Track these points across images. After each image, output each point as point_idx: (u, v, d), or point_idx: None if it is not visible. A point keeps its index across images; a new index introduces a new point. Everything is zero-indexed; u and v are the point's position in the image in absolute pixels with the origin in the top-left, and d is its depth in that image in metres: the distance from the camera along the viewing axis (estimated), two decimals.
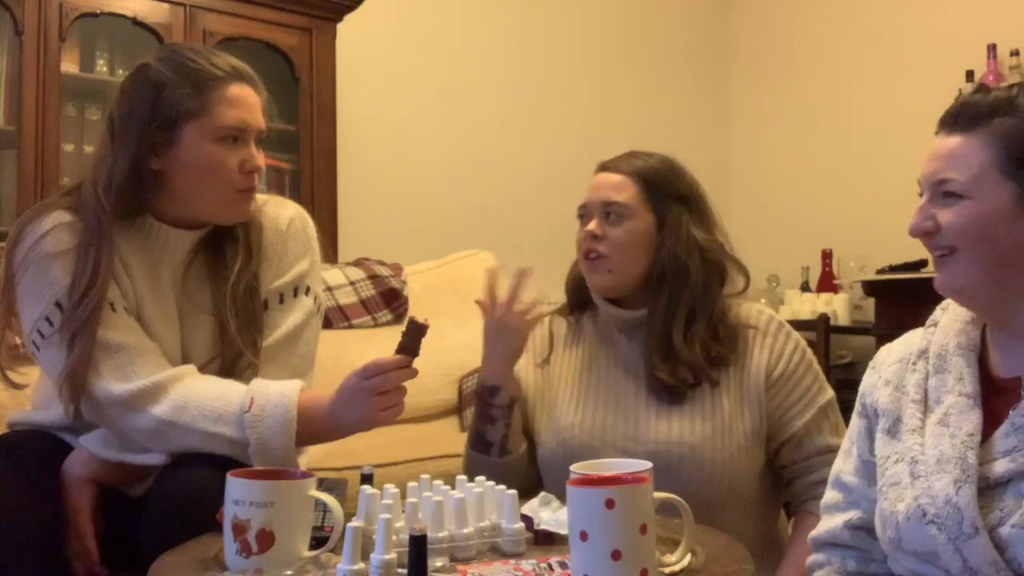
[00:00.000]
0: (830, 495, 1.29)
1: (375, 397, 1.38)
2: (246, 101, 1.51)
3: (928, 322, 1.24)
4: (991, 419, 1.11)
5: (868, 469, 1.23)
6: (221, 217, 1.54)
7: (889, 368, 1.24)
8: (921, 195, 1.16)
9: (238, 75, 1.51)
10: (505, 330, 1.59)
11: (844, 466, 1.28)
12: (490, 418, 1.62)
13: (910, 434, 1.15)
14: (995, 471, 1.07)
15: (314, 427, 1.43)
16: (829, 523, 1.27)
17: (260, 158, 1.53)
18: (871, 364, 1.29)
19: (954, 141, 1.13)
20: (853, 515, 1.24)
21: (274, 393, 1.43)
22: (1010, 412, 1.09)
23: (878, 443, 1.20)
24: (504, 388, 1.61)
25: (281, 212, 1.62)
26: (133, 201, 1.50)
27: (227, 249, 1.56)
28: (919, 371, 1.19)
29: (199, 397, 1.42)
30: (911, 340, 1.25)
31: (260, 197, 1.59)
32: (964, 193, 1.11)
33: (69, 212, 1.49)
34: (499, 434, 1.61)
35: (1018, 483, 1.06)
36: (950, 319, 1.21)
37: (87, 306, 1.42)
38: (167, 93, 1.46)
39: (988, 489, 1.08)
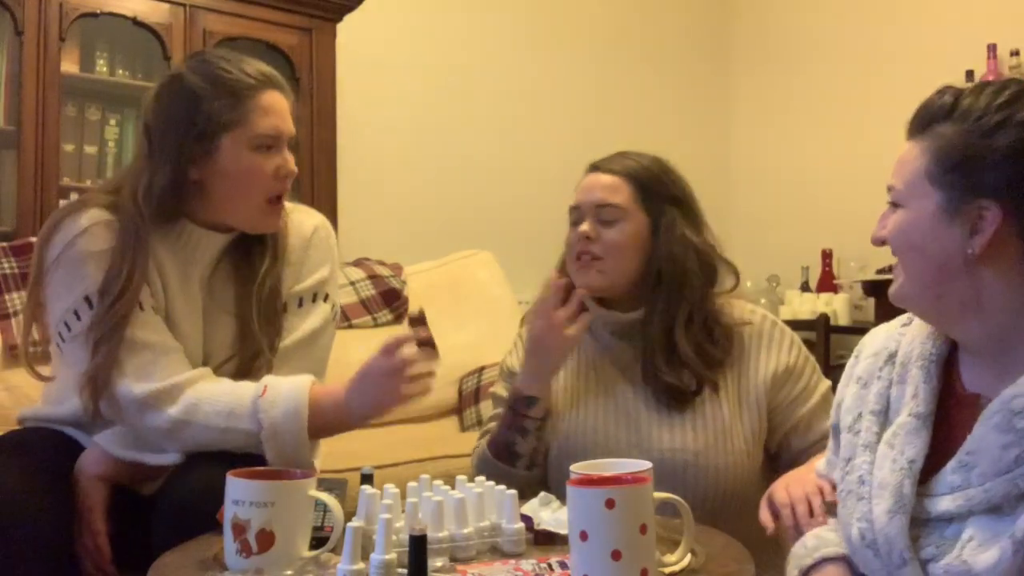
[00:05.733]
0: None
1: (393, 378, 1.40)
2: (278, 108, 1.53)
3: (905, 317, 1.21)
4: (950, 436, 1.08)
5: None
6: (252, 228, 1.57)
7: (864, 363, 1.21)
8: None
9: (269, 82, 1.54)
10: (544, 345, 1.57)
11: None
12: (522, 429, 1.58)
13: (863, 449, 1.13)
14: (937, 507, 1.05)
15: (326, 416, 1.45)
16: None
17: (292, 162, 1.56)
18: (855, 351, 1.25)
19: (906, 146, 1.12)
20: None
21: (286, 381, 1.46)
22: (964, 442, 1.04)
23: (843, 440, 1.19)
24: (541, 400, 1.59)
25: (306, 220, 1.66)
26: (172, 208, 1.52)
27: (255, 251, 1.59)
28: (883, 378, 1.16)
29: (212, 395, 1.44)
30: (891, 331, 1.21)
31: (288, 205, 1.62)
32: (900, 201, 1.10)
33: (107, 211, 1.51)
34: (529, 447, 1.58)
35: (959, 523, 1.03)
36: (921, 321, 1.17)
37: (118, 311, 1.44)
38: (205, 106, 1.48)
39: (928, 522, 1.05)
